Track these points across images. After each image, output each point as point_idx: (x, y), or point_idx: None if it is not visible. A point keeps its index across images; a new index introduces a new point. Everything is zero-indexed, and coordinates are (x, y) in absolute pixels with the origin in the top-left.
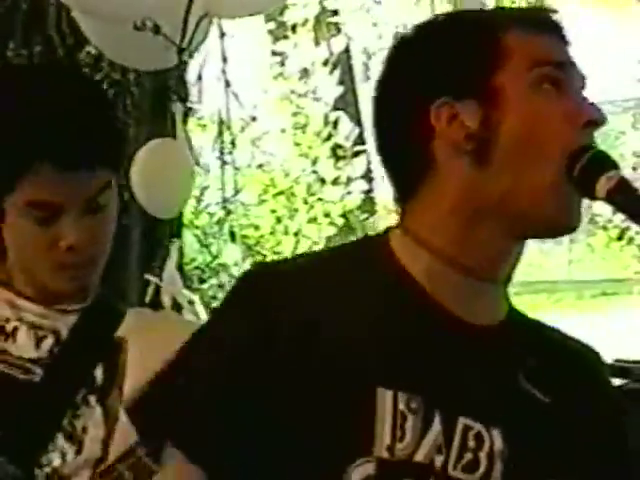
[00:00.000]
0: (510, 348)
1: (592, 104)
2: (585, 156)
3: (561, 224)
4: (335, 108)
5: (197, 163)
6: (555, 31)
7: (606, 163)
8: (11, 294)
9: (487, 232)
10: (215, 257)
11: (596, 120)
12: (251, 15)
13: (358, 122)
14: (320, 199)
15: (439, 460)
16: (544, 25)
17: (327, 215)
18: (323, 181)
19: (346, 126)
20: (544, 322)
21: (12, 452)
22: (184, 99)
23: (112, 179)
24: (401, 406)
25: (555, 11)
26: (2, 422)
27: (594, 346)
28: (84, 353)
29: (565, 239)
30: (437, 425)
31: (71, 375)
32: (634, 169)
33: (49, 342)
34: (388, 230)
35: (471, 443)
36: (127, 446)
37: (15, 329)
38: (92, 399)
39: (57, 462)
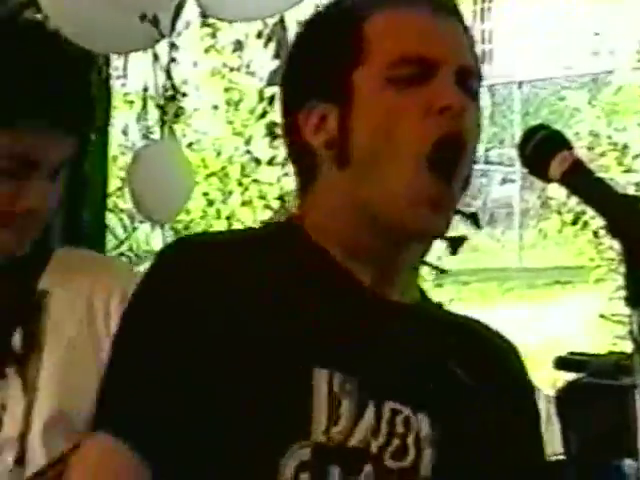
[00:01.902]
0: (435, 328)
1: (457, 87)
2: (537, 135)
3: (416, 232)
4: (270, 83)
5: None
6: (430, 4)
7: (560, 143)
8: None
9: (369, 237)
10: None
11: (450, 105)
12: (247, 21)
13: None
14: (255, 180)
15: (375, 445)
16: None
17: (262, 197)
18: (258, 161)
19: None
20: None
21: None
22: (174, 97)
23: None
24: (336, 388)
25: None
26: None
27: (546, 338)
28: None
29: (515, 223)
30: (371, 408)
31: None
32: (590, 149)
33: None
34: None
35: (399, 428)
36: (50, 416)
37: None
38: (10, 371)
39: None
